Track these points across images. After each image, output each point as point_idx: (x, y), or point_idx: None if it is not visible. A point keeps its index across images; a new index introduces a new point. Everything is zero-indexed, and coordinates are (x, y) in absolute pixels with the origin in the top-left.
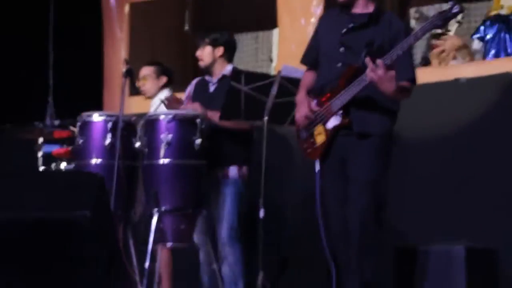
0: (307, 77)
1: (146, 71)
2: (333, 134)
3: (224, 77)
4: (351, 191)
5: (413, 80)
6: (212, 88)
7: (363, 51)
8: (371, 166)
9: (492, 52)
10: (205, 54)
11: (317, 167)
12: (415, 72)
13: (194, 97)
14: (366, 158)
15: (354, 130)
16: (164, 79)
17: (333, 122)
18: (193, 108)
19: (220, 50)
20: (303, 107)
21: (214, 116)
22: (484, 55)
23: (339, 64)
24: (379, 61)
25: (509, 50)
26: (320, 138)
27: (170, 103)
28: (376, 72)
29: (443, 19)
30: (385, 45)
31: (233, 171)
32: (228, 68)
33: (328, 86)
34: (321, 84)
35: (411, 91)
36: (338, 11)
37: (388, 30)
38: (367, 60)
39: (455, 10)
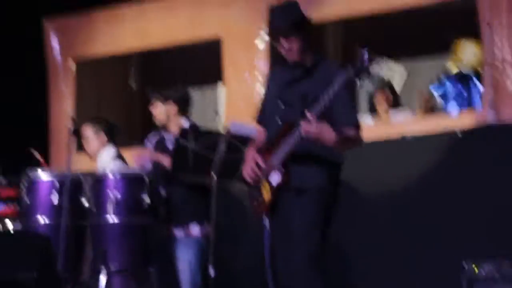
0: (259, 135)
1: (85, 132)
2: (276, 191)
3: (182, 131)
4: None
5: (356, 125)
6: (170, 145)
7: (298, 105)
8: (306, 221)
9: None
10: (159, 112)
11: (266, 223)
12: (357, 117)
13: None
14: (302, 213)
15: (292, 186)
16: (102, 136)
17: (274, 178)
18: (142, 153)
19: (173, 107)
20: (250, 163)
21: (164, 160)
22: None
23: (279, 120)
24: (309, 115)
25: (473, 105)
26: (266, 195)
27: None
28: (310, 126)
29: (356, 72)
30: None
31: (195, 228)
32: (186, 123)
33: (270, 142)
34: (267, 140)
35: (359, 138)
36: (282, 66)
37: (322, 79)
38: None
39: (365, 63)
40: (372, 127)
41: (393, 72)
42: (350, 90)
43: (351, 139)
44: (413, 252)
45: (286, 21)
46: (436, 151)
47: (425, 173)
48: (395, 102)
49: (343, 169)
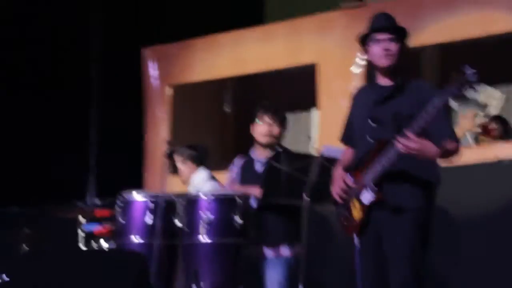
0: (345, 154)
1: (176, 161)
2: (368, 210)
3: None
4: (390, 268)
5: (454, 137)
6: (259, 167)
7: (390, 123)
8: (406, 241)
9: None
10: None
11: (356, 243)
12: (454, 131)
13: (243, 179)
14: (401, 234)
15: (388, 205)
16: (189, 164)
17: (366, 196)
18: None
19: (279, 129)
20: (338, 182)
21: (255, 191)
22: None
23: (370, 139)
24: (408, 133)
25: None
26: (356, 213)
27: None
28: (409, 144)
29: (459, 87)
30: (414, 114)
31: (285, 249)
32: (277, 148)
33: (361, 161)
34: (357, 159)
35: (458, 149)
36: (368, 86)
37: (415, 98)
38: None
39: (470, 77)
40: (469, 150)
41: (491, 97)
42: (446, 107)
43: (451, 151)
44: (508, 277)
45: (391, 22)
46: None
47: None
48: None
49: (439, 190)
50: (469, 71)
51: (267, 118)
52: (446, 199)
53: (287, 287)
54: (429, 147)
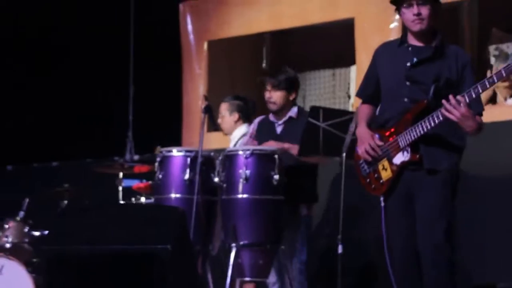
0: (364, 110)
1: (222, 108)
2: (400, 170)
3: (290, 119)
4: (421, 226)
5: (481, 114)
6: (279, 129)
7: (430, 86)
8: (439, 201)
9: None
10: (280, 97)
11: (382, 202)
12: (482, 105)
13: (259, 137)
14: (434, 194)
15: (425, 167)
16: (236, 116)
17: (400, 157)
18: (269, 145)
19: (293, 95)
20: (366, 141)
21: (293, 149)
22: None
23: (406, 99)
24: (461, 99)
25: None
26: (385, 174)
27: None
28: (458, 110)
29: None
30: (452, 79)
31: (304, 208)
32: (294, 110)
33: (392, 121)
34: (385, 118)
35: (482, 126)
36: (396, 44)
37: (455, 64)
38: (450, 97)
39: None
40: (493, 108)
41: None
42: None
43: (479, 128)
44: None
45: None
46: None
47: None
48: None
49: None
50: None
51: (267, 86)
52: (472, 156)
53: (306, 243)
54: (472, 119)
